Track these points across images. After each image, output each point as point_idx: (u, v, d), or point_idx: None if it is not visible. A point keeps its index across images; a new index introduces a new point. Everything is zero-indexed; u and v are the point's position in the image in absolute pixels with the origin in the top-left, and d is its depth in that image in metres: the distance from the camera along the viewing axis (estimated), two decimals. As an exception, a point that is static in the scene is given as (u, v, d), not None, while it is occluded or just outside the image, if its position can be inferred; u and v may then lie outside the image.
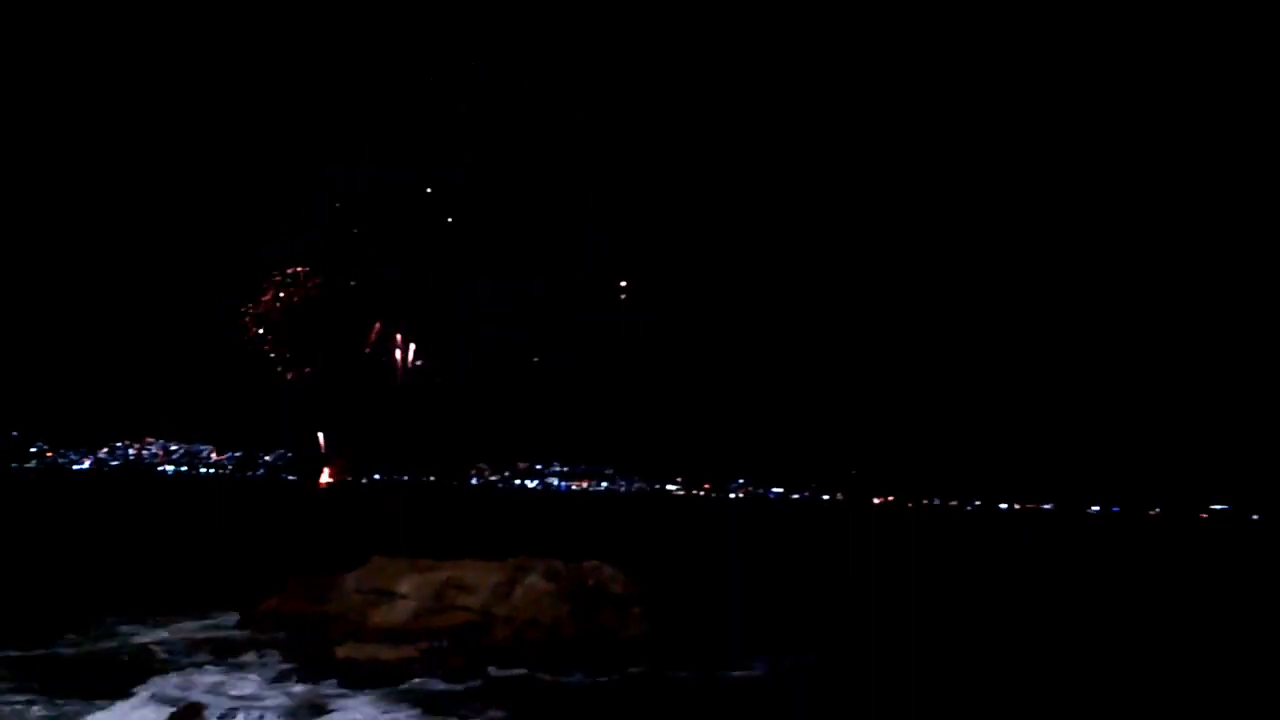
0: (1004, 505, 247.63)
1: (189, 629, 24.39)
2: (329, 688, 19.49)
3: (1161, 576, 62.53)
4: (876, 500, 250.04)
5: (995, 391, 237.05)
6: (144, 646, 22.40)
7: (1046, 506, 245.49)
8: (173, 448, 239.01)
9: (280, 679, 19.91)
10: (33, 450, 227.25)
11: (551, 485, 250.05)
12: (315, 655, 21.56)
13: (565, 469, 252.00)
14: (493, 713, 18.57)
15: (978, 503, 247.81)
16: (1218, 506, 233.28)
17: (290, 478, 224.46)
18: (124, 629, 23.98)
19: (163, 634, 23.74)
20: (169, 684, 19.08)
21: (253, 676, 20.06)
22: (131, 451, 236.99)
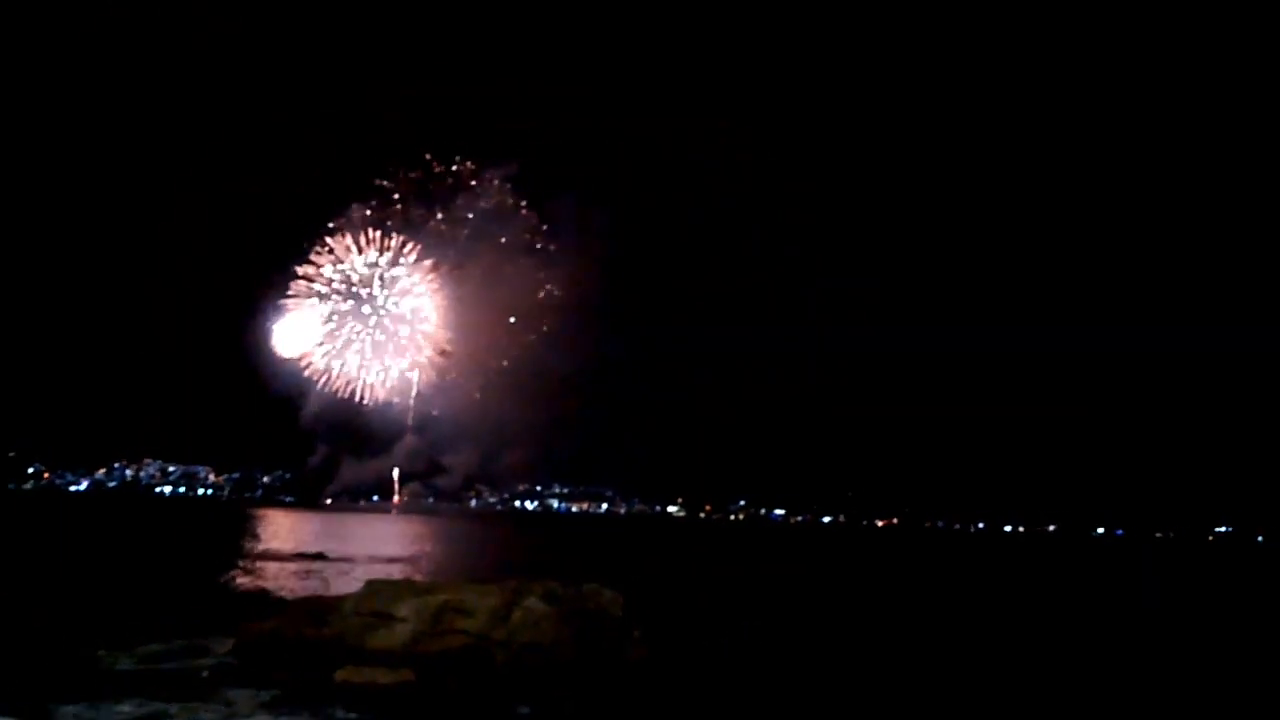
0: (1008, 527, 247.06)
1: (184, 651, 24.12)
2: (326, 712, 19.21)
3: (1169, 597, 62.14)
4: (880, 523, 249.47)
5: (998, 412, 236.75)
6: (136, 670, 22.13)
7: (1050, 528, 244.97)
8: (170, 469, 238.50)
9: (277, 703, 19.65)
10: (30, 471, 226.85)
11: (551, 507, 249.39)
12: (312, 679, 21.33)
13: (565, 490, 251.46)
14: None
15: (981, 525, 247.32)
16: (1221, 529, 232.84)
17: (288, 499, 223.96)
18: (116, 652, 23.68)
19: (157, 657, 23.46)
20: (163, 709, 18.81)
21: (250, 700, 19.80)
22: (129, 472, 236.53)
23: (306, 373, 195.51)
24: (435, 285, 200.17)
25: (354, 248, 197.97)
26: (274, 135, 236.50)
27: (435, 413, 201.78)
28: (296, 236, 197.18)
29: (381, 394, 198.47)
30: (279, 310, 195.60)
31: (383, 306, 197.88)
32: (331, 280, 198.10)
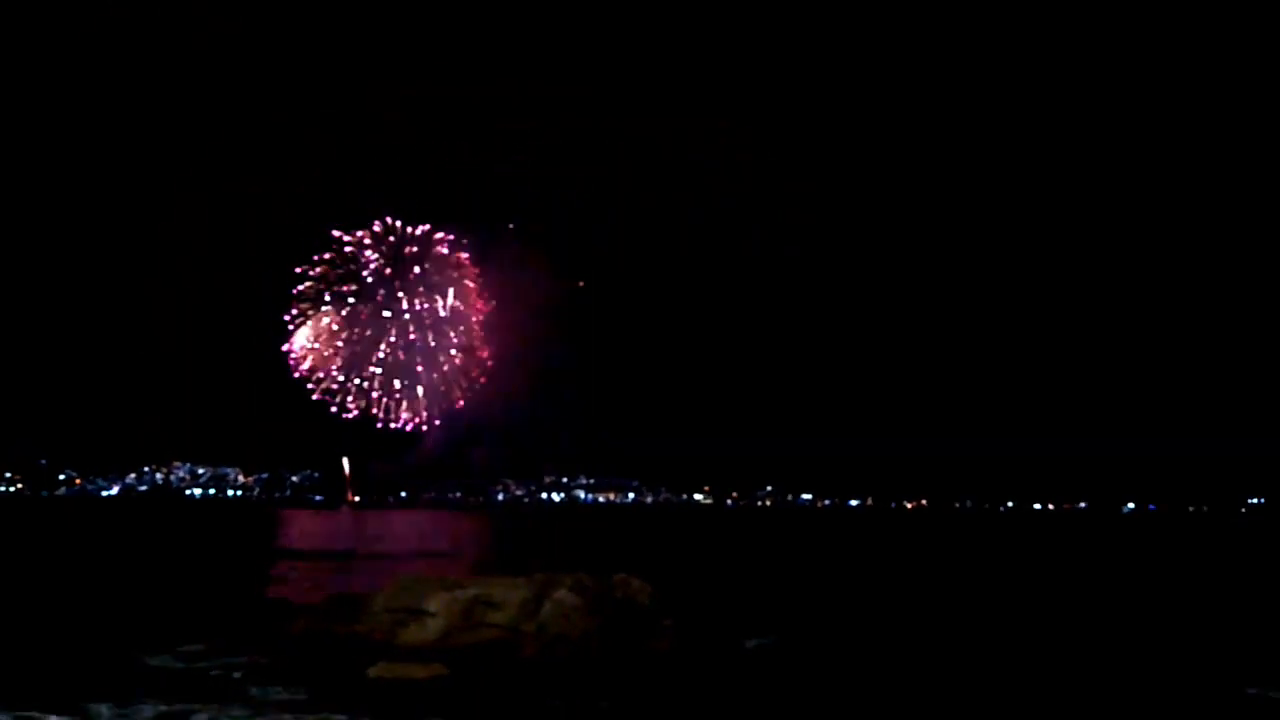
0: (1038, 505, 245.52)
1: (221, 651, 24.25)
2: (360, 708, 19.25)
3: (1205, 574, 61.54)
4: (909, 504, 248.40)
5: (1020, 390, 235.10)
6: (173, 670, 22.27)
7: (1081, 505, 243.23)
8: (200, 471, 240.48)
9: (311, 700, 19.71)
10: (61, 478, 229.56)
11: (577, 498, 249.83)
12: (345, 676, 21.41)
13: (591, 481, 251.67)
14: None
15: (1010, 504, 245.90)
16: (1254, 501, 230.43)
17: (318, 498, 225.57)
18: (155, 651, 23.85)
19: (194, 657, 23.61)
20: (194, 709, 18.89)
21: (283, 699, 19.87)
22: (159, 476, 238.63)
23: (317, 393, 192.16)
24: (465, 281, 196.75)
25: (373, 245, 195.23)
26: (274, 135, 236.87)
27: (460, 405, 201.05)
28: (315, 237, 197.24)
29: (406, 413, 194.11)
30: (295, 319, 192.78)
31: (406, 310, 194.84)
32: (349, 282, 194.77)
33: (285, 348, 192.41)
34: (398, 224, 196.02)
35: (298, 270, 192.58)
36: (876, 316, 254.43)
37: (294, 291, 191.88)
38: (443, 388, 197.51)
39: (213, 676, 21.71)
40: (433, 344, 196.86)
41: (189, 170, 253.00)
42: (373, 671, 21.47)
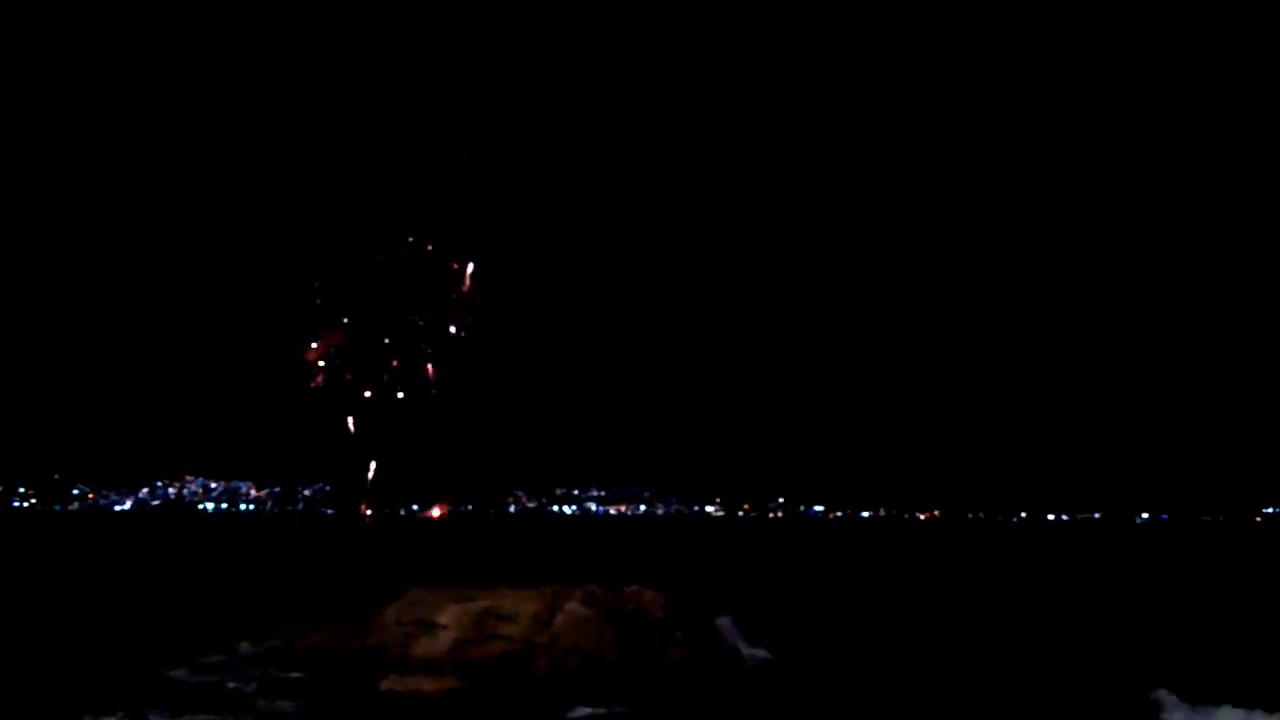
0: (1051, 516, 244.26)
1: (236, 663, 24.34)
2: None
3: (1219, 583, 61.05)
4: (922, 515, 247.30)
5: (1035, 398, 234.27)
6: (187, 682, 22.36)
7: (1095, 516, 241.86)
8: (212, 485, 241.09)
9: (323, 714, 19.75)
10: (74, 492, 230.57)
11: (589, 510, 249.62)
12: (358, 689, 21.45)
13: (603, 493, 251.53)
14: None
15: (1023, 514, 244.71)
16: (1269, 510, 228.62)
17: (329, 511, 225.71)
18: (172, 664, 23.96)
19: (209, 669, 23.70)
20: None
21: (295, 711, 19.91)
22: (171, 490, 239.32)
23: (327, 406, 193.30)
24: (474, 293, 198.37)
25: (383, 260, 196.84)
26: (274, 135, 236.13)
27: (469, 416, 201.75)
28: (321, 246, 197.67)
29: (415, 426, 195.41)
30: (305, 333, 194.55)
31: (415, 323, 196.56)
32: (359, 296, 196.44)
33: (296, 359, 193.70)
34: (408, 240, 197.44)
35: (315, 285, 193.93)
36: (878, 317, 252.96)
37: (304, 306, 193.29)
38: (451, 399, 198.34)
39: (227, 689, 21.77)
40: (441, 356, 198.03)
41: (189, 170, 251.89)
42: (384, 685, 21.51)
